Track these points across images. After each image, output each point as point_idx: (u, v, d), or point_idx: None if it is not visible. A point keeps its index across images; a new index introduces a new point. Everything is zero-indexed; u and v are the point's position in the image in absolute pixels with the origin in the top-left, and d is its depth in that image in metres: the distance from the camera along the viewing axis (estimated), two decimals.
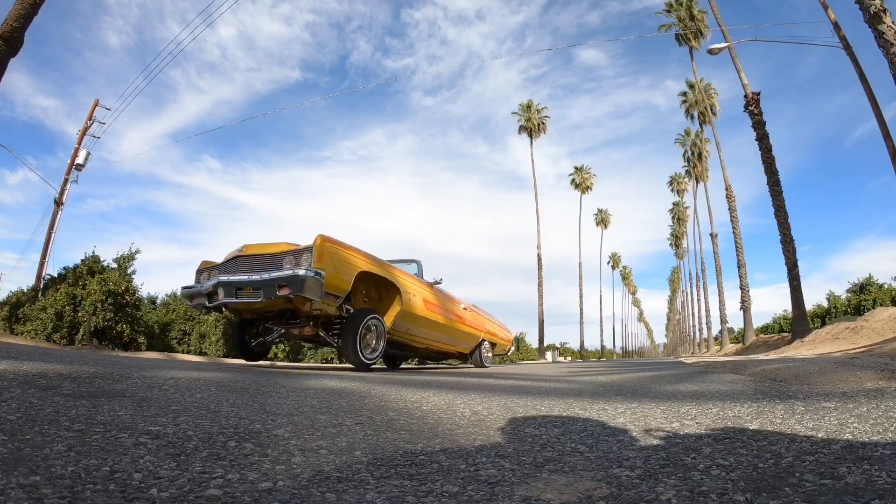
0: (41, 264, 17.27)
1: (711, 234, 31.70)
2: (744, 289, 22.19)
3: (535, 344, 33.29)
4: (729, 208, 23.76)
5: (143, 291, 12.47)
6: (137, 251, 11.92)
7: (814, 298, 34.38)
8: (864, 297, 20.93)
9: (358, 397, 2.35)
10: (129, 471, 0.91)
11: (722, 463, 1.12)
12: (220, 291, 5.13)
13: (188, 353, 11.37)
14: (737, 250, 23.44)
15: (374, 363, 5.46)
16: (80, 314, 9.77)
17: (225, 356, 11.48)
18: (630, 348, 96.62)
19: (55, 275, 12.13)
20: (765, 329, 28.11)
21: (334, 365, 10.44)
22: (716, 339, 34.56)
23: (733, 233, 23.77)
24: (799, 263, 14.13)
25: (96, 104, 19.40)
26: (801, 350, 10.56)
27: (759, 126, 15.13)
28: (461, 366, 10.05)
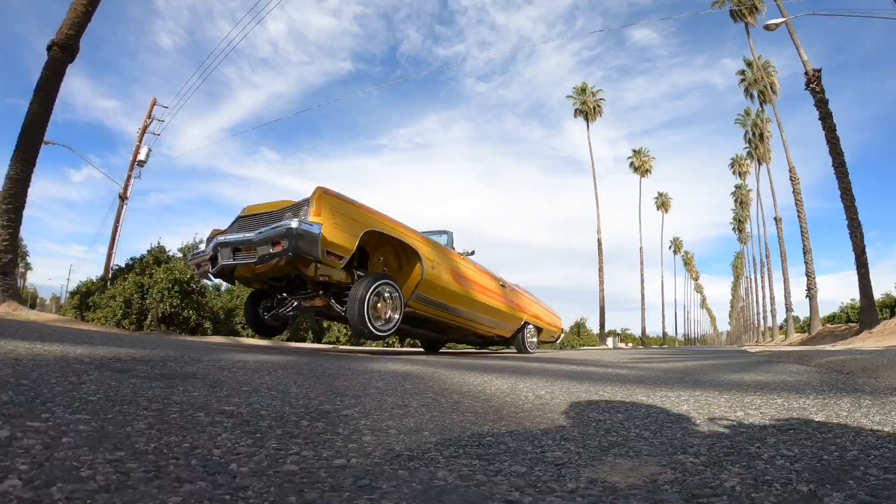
0: (109, 255, 18.28)
1: (776, 218, 30.61)
2: (810, 276, 21.30)
3: (595, 330, 33.05)
4: (793, 191, 22.83)
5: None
6: (201, 241, 12.42)
7: (882, 287, 32.79)
8: None
9: (422, 380, 2.40)
10: (208, 447, 0.95)
11: (786, 453, 1.11)
12: (219, 254, 4.83)
13: (252, 337, 11.85)
14: (802, 235, 22.50)
15: (386, 335, 4.87)
16: (147, 301, 10.12)
17: (287, 340, 11.71)
18: (692, 335, 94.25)
19: (123, 265, 12.76)
20: (831, 318, 26.93)
21: (396, 349, 10.65)
22: (780, 327, 33.28)
23: (798, 217, 22.84)
24: (866, 250, 13.43)
25: (154, 103, 20.31)
26: (869, 342, 10.11)
27: (821, 105, 14.42)
28: (503, 351, 9.54)
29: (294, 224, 4.20)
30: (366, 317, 4.59)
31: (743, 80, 34.13)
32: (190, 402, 1.32)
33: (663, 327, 59.68)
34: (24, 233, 10.58)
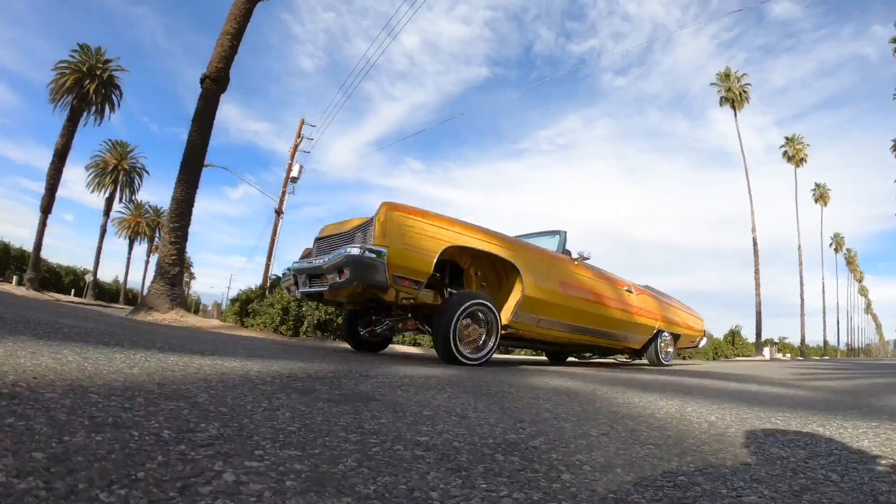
0: (267, 266, 19.96)
1: None
2: None
3: (751, 338, 30.51)
4: None
5: None
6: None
7: None
8: None
9: (587, 400, 2.39)
10: (423, 489, 0.96)
11: None
12: (298, 281, 4.63)
13: (401, 343, 12.17)
14: None
15: (478, 363, 4.22)
16: (304, 309, 10.66)
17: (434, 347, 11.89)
18: (855, 345, 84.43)
19: (280, 274, 14.04)
20: None
21: (523, 357, 10.64)
22: None
23: None
24: None
25: (302, 123, 22.00)
26: None
27: None
28: (636, 362, 8.46)
29: (355, 251, 3.82)
30: (452, 345, 4.12)
31: None
32: (383, 430, 1.36)
33: (824, 336, 55.04)
34: (188, 246, 11.85)
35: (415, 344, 12.36)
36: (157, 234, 53.06)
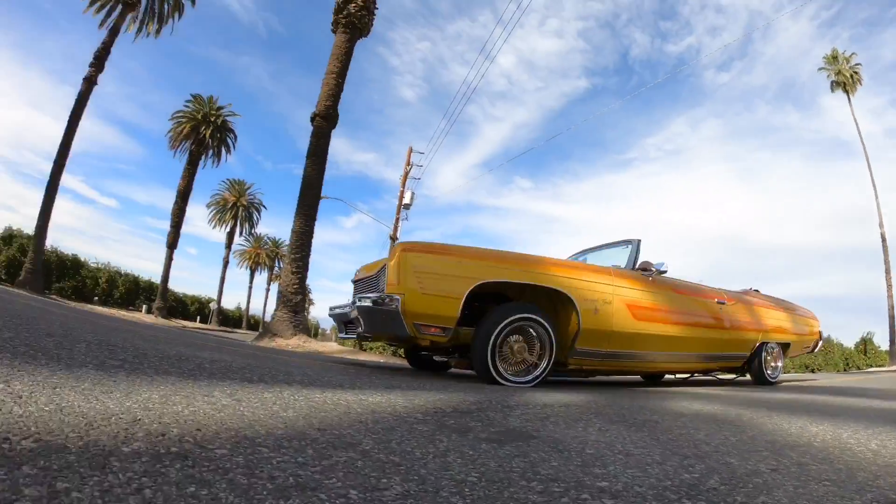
0: None
1: None
2: None
3: (884, 345, 27.59)
4: None
5: None
6: None
7: None
8: None
9: (737, 428, 2.33)
10: None
11: None
12: (338, 323, 4.47)
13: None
14: None
15: (524, 386, 3.74)
16: None
17: None
18: None
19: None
20: None
21: (632, 379, 10.16)
22: None
23: None
24: None
25: (411, 151, 22.77)
26: None
27: None
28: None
29: (366, 302, 3.60)
30: (489, 363, 3.66)
31: None
32: (560, 476, 1.36)
33: None
34: (308, 274, 12.54)
35: None
36: (277, 264, 56.47)
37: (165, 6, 25.49)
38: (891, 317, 27.73)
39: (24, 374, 1.53)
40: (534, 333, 3.88)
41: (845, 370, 15.18)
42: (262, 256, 58.17)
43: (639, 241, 5.04)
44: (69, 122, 20.78)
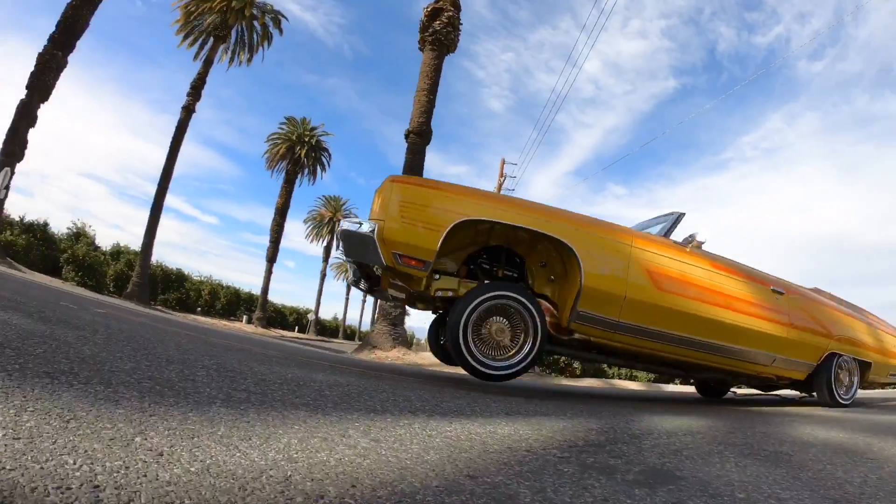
0: None
1: None
2: None
3: None
4: None
5: None
6: None
7: None
8: None
9: (874, 463, 2.23)
10: None
11: None
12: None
13: (620, 377, 11.90)
14: None
15: (506, 375, 3.45)
16: None
17: (656, 381, 11.51)
18: None
19: None
20: None
21: (690, 390, 9.60)
22: None
23: None
24: None
25: (503, 162, 23.27)
26: None
27: None
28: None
29: (346, 226, 3.53)
30: (463, 348, 3.37)
31: None
32: None
33: None
34: None
35: (630, 378, 11.95)
36: None
37: (255, 36, 27.24)
38: None
39: (156, 420, 1.47)
40: (518, 316, 3.55)
41: None
42: None
43: (682, 213, 4.49)
44: (171, 147, 22.63)
